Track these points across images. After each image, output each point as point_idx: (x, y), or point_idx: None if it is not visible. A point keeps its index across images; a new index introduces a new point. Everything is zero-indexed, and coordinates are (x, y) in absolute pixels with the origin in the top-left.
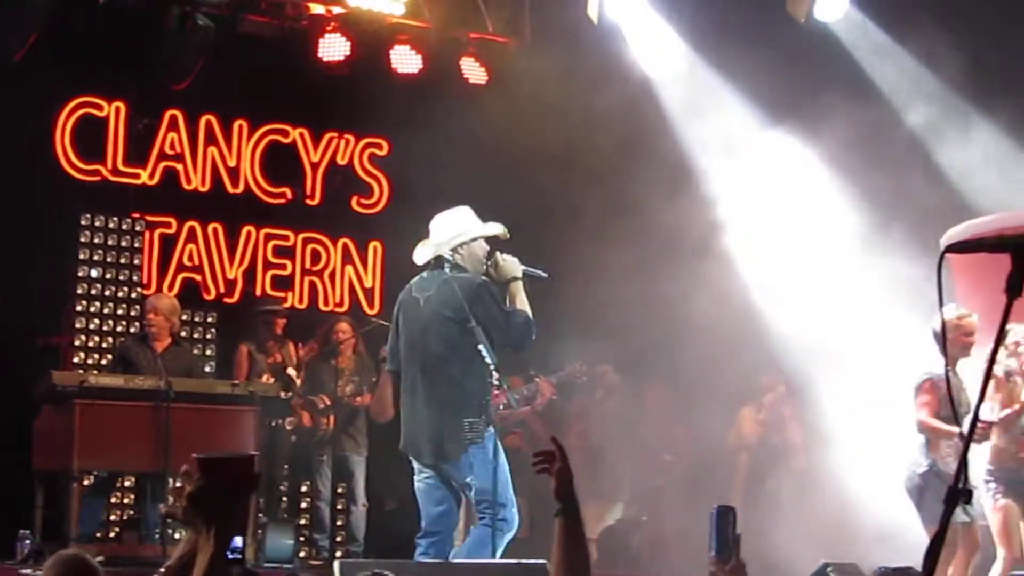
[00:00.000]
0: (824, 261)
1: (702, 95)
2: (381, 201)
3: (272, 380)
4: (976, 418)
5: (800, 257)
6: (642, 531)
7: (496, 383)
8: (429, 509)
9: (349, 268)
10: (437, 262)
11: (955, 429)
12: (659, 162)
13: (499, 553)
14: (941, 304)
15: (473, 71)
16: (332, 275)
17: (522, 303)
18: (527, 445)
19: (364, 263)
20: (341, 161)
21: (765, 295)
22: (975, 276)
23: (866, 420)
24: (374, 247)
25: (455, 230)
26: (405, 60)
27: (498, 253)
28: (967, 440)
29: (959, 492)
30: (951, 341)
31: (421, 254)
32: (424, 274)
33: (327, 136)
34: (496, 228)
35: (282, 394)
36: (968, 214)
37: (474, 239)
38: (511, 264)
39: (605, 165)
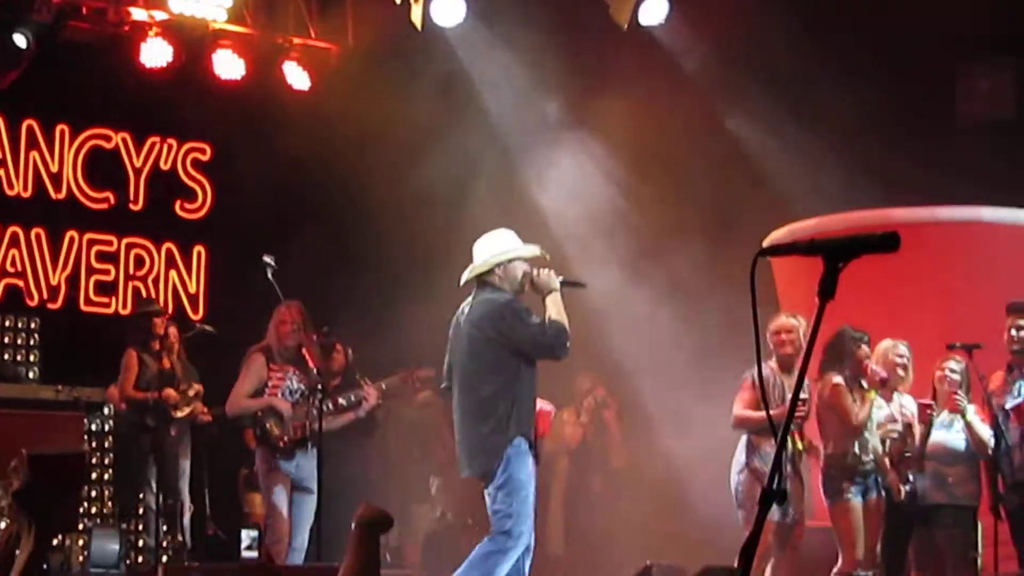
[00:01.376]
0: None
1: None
2: (205, 206)
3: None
4: (790, 419)
5: (616, 254)
6: (470, 534)
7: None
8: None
9: (173, 273)
10: (479, 283)
11: (760, 414)
12: (478, 166)
13: (501, 570)
14: (755, 306)
15: (296, 76)
16: (156, 280)
17: (557, 314)
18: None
19: (188, 268)
20: (164, 166)
21: (581, 295)
22: (797, 279)
23: (689, 420)
24: (198, 252)
25: (491, 252)
26: (228, 65)
27: (536, 269)
28: (780, 443)
29: (773, 493)
30: (771, 343)
31: (463, 277)
32: (470, 297)
33: (150, 141)
34: (532, 250)
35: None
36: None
37: (510, 260)
38: (547, 279)
39: (427, 167)
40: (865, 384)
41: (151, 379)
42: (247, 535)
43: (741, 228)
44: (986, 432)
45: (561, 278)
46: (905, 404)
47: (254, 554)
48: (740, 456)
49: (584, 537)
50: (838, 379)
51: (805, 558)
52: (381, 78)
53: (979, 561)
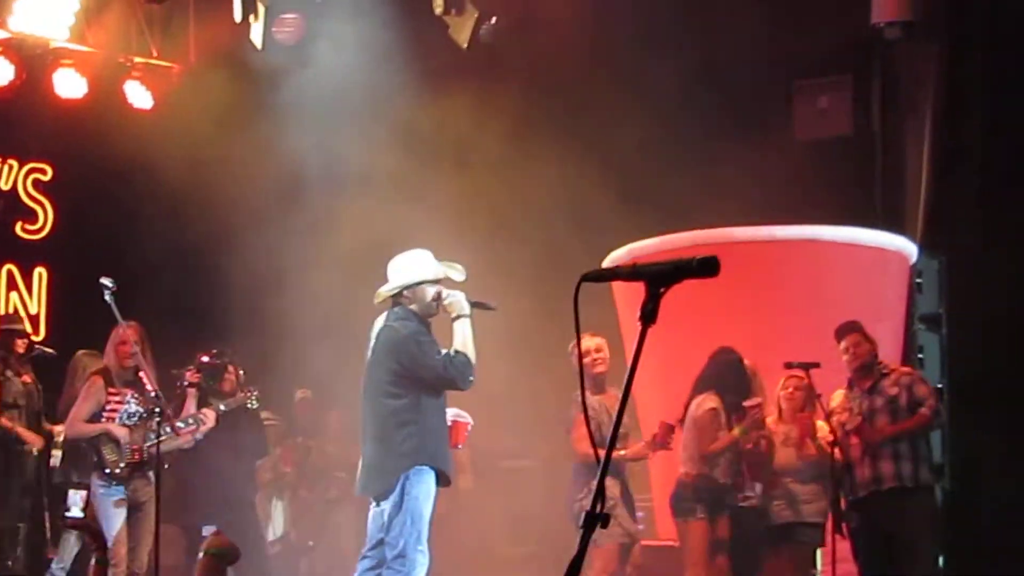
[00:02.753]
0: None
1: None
2: (46, 226)
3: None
4: (612, 443)
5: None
6: (309, 554)
7: None
8: (372, 531)
9: (14, 294)
10: (394, 300)
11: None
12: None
13: None
14: (578, 332)
15: (138, 95)
16: None
17: (462, 344)
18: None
19: (29, 289)
20: (5, 186)
21: None
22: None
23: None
24: (39, 273)
25: (403, 275)
26: (69, 84)
27: (444, 291)
28: (603, 466)
29: (596, 516)
30: (587, 365)
31: (375, 296)
32: (385, 313)
33: None
34: (445, 272)
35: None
36: None
37: (417, 284)
38: (457, 302)
39: (267, 184)
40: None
41: (17, 394)
42: (74, 495)
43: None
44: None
45: (472, 301)
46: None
47: (80, 514)
48: (579, 480)
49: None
50: (714, 403)
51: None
52: (223, 96)
53: None
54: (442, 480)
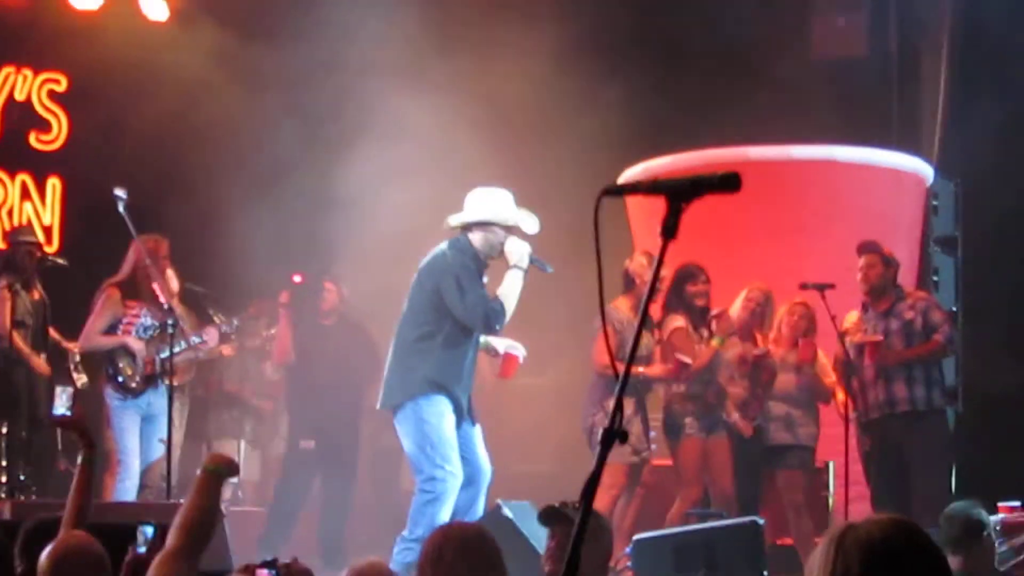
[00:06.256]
0: None
1: None
2: (60, 137)
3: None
4: (631, 361)
5: None
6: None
7: None
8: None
9: (28, 205)
10: (462, 229)
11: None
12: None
13: (443, 514)
14: (598, 249)
15: (153, 6)
16: (11, 212)
17: (507, 293)
18: None
19: (43, 200)
20: (19, 96)
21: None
22: (653, 219)
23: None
24: (53, 184)
25: (478, 211)
26: None
27: (511, 238)
28: (622, 384)
29: (614, 433)
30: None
31: (446, 222)
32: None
33: (4, 71)
34: (518, 220)
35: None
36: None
37: (490, 223)
38: (517, 252)
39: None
40: (714, 328)
41: (25, 312)
42: (61, 392)
43: None
44: (829, 380)
45: (533, 258)
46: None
47: (66, 412)
48: (594, 396)
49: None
50: (679, 322)
51: (655, 495)
52: (242, 6)
53: (830, 501)
54: (457, 412)
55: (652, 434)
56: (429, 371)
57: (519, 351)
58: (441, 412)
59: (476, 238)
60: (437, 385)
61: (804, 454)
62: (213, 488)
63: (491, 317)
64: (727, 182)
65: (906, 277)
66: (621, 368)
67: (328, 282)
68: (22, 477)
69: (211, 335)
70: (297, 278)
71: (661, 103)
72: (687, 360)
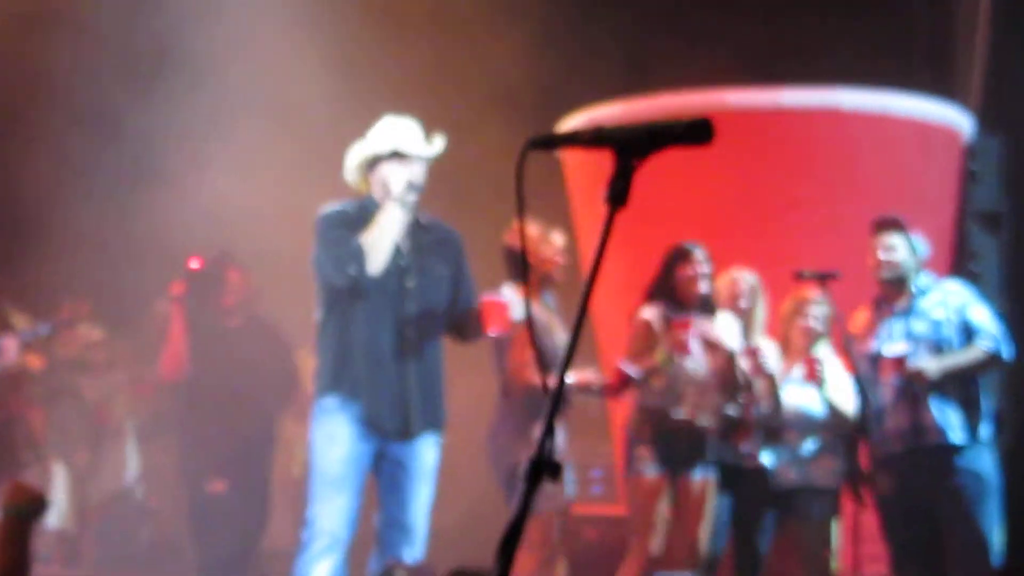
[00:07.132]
0: None
1: None
2: None
3: None
4: (564, 369)
5: None
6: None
7: None
8: None
9: None
10: None
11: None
12: None
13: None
14: (521, 213)
15: None
16: None
17: (374, 233)
18: None
19: None
20: None
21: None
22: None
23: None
24: None
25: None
26: None
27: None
28: (554, 398)
29: (543, 464)
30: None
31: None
32: None
33: None
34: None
35: None
36: None
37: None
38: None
39: None
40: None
41: None
42: None
43: None
44: (849, 404)
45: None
46: (764, 349)
47: None
48: (508, 425)
49: None
50: (647, 314)
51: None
52: None
53: (833, 563)
54: (372, 427)
55: (597, 472)
56: (321, 367)
57: (506, 297)
58: (330, 432)
59: (372, 183)
60: (333, 386)
61: (821, 499)
62: (18, 535)
63: (344, 265)
64: (695, 131)
65: (934, 263)
66: (552, 382)
67: (233, 269)
68: None
69: (8, 347)
70: (195, 263)
71: (610, 34)
72: (632, 371)
